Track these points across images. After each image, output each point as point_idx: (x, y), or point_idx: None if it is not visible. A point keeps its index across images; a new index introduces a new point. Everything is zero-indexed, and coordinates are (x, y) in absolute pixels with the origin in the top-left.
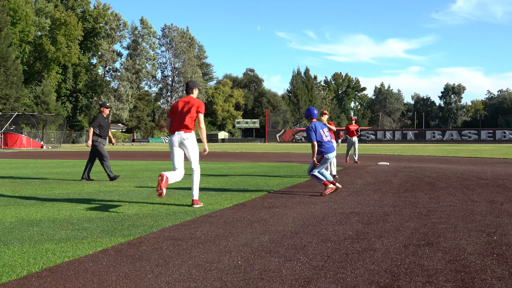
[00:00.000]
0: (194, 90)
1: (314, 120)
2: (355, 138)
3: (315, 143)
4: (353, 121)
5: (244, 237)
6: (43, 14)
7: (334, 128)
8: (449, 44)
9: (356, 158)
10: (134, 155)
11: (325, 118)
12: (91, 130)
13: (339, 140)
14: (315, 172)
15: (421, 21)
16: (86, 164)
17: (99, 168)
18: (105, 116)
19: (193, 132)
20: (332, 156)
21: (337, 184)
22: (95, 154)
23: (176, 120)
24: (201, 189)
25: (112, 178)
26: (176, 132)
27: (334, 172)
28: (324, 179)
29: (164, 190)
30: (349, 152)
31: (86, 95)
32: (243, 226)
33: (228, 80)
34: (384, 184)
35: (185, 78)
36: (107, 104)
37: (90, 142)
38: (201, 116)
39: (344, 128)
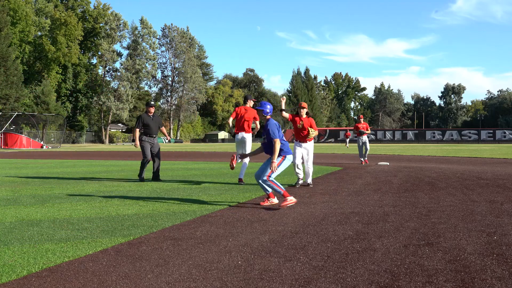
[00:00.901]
0: (248, 101)
1: (269, 117)
2: (365, 138)
3: (278, 140)
4: (361, 119)
5: (244, 237)
6: (43, 14)
7: (314, 127)
8: (449, 44)
9: (364, 158)
10: (134, 155)
11: (304, 111)
12: (136, 131)
13: (347, 140)
14: (272, 178)
15: (421, 21)
16: (152, 164)
17: (98, 168)
18: (150, 115)
19: (250, 133)
20: (291, 158)
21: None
22: (142, 151)
23: (239, 125)
24: (201, 189)
25: (140, 179)
26: (240, 132)
27: (309, 181)
28: (279, 189)
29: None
30: (363, 153)
31: (86, 95)
32: (243, 226)
33: (228, 80)
34: (384, 184)
35: (185, 78)
36: (152, 103)
37: (138, 142)
38: (258, 122)
39: (353, 127)
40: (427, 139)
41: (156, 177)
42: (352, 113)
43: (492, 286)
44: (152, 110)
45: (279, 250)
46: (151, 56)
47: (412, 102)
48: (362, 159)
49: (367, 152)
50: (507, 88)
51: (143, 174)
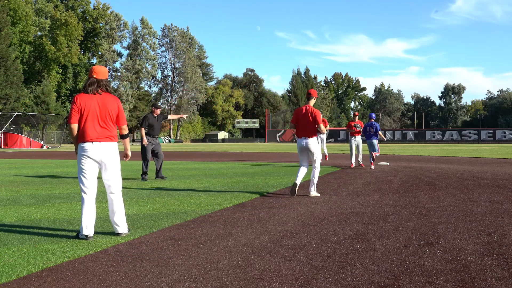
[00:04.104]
0: (311, 101)
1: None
2: (359, 138)
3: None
4: (356, 117)
5: (244, 237)
6: (43, 14)
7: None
8: (449, 44)
9: (360, 161)
10: (133, 155)
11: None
12: (142, 130)
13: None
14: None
15: (420, 21)
16: (155, 164)
17: None
18: (155, 115)
19: (314, 137)
20: None
21: None
22: (141, 151)
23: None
24: (201, 188)
25: (143, 178)
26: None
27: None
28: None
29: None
30: (354, 153)
31: None
32: (243, 226)
33: (228, 80)
34: (384, 184)
35: (185, 78)
36: (159, 105)
37: (146, 141)
38: (322, 126)
39: (346, 126)
40: (427, 139)
41: (159, 175)
42: (352, 113)
43: (492, 286)
44: (158, 111)
45: (279, 250)
46: (151, 56)
47: (412, 102)
48: (353, 162)
49: (360, 155)
50: (507, 88)
51: (146, 176)
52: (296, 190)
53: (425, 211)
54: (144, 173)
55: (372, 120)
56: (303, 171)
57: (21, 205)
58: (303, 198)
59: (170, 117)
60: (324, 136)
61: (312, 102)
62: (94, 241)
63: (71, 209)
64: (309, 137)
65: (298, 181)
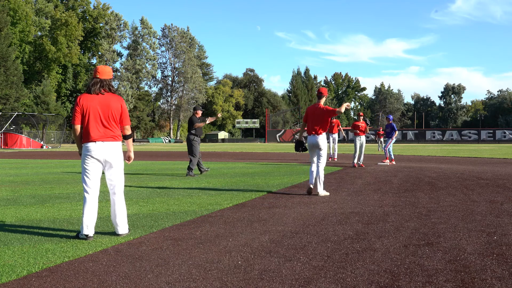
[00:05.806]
0: (322, 100)
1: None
2: (363, 137)
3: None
4: (361, 117)
5: (244, 237)
6: (43, 14)
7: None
8: (448, 44)
9: (361, 161)
10: (136, 155)
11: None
12: (202, 124)
13: (382, 140)
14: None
15: (420, 21)
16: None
17: None
18: (198, 117)
19: (323, 134)
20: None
21: None
22: (192, 149)
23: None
24: (201, 188)
25: (188, 174)
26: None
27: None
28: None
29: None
30: (358, 155)
31: None
32: (243, 226)
33: (228, 80)
34: (384, 184)
35: (185, 78)
36: (200, 107)
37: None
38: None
39: (351, 126)
40: (427, 139)
41: (195, 170)
42: (352, 113)
43: (492, 286)
44: (200, 113)
45: (279, 250)
46: (151, 56)
47: (412, 102)
48: (355, 162)
49: (362, 155)
50: (507, 88)
51: (192, 172)
52: (312, 190)
53: (425, 211)
54: (190, 169)
55: (391, 121)
56: (314, 169)
57: (21, 205)
58: (303, 198)
59: (208, 120)
60: (335, 136)
61: (323, 100)
62: (94, 241)
63: (71, 209)
64: (318, 134)
65: (312, 182)
